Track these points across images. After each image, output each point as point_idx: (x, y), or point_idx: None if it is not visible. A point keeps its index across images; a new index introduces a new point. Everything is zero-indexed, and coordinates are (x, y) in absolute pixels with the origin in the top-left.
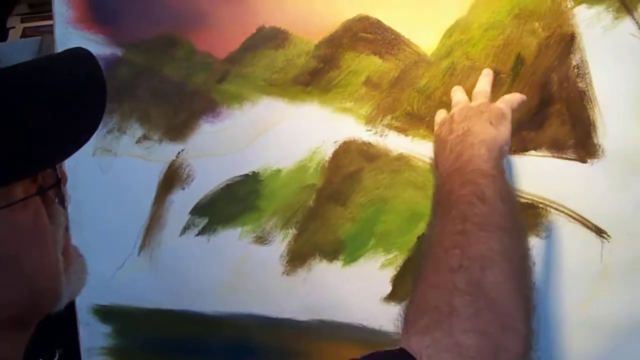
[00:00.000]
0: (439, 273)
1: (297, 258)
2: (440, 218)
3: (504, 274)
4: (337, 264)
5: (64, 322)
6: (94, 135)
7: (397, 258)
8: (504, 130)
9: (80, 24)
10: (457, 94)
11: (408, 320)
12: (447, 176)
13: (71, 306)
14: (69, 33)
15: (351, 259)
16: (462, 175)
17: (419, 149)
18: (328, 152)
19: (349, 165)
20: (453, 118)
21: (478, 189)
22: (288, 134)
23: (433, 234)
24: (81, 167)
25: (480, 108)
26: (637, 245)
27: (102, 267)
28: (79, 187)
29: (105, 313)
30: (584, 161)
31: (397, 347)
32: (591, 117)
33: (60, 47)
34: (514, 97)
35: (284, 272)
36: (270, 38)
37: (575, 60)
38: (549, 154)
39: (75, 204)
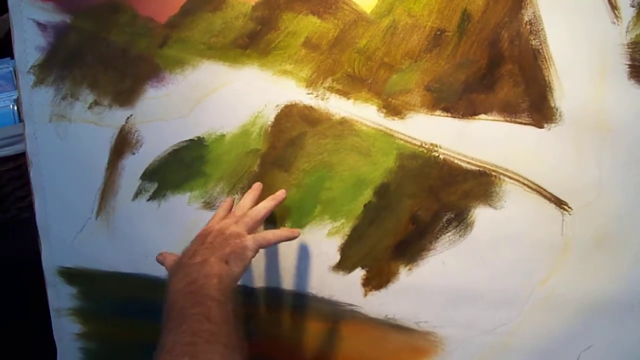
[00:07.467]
0: None
1: None
2: (172, 331)
3: None
4: None
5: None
6: (50, 102)
7: (344, 226)
8: (237, 270)
9: None
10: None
11: None
12: (180, 296)
13: (39, 268)
14: (21, 1)
15: (298, 226)
16: (194, 297)
17: (361, 112)
18: (270, 116)
19: (291, 130)
20: (203, 241)
21: (206, 310)
22: (230, 98)
23: (164, 344)
24: (39, 133)
25: (229, 241)
26: (600, 218)
27: (65, 230)
28: (39, 153)
29: (69, 275)
30: (540, 126)
31: None
32: (547, 78)
33: (12, 16)
34: (265, 237)
35: None
36: (208, 1)
37: (527, 15)
38: (501, 118)
39: (37, 169)
